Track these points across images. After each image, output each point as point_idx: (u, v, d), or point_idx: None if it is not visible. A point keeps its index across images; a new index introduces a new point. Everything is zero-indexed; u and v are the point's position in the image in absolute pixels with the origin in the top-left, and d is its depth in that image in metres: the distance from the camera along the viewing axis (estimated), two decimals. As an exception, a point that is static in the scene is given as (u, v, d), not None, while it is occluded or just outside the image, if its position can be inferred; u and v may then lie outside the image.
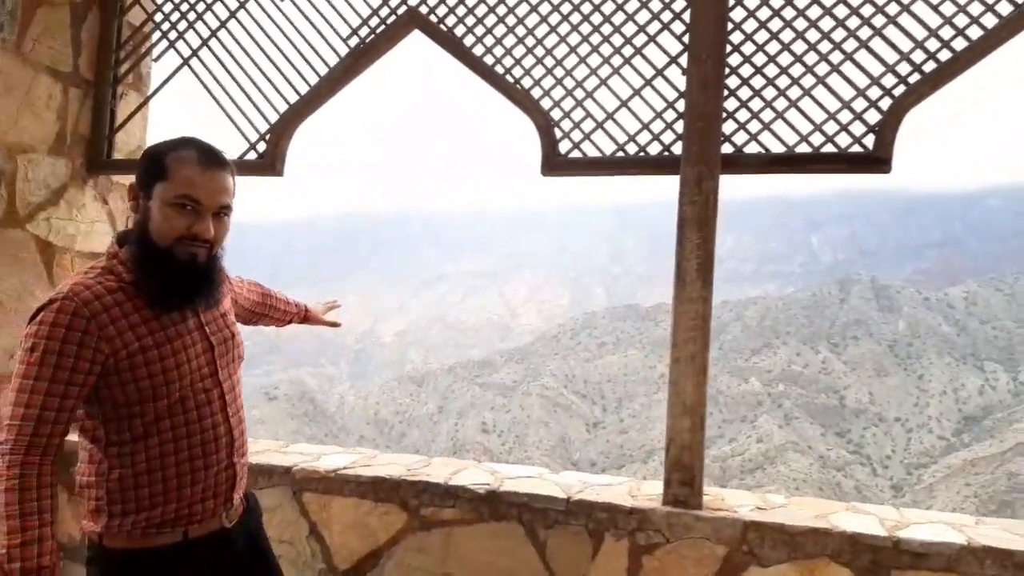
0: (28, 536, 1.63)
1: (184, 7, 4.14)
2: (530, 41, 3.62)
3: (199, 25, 4.11)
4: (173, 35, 4.14)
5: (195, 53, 4.10)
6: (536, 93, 3.60)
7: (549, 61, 3.59)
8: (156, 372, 1.80)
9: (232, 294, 2.31)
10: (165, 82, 4.18)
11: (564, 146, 3.56)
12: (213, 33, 4.08)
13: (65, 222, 4.09)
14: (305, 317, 2.92)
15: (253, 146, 4.01)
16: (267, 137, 3.99)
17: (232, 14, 4.06)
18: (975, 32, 3.07)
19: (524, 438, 77.01)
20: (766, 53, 3.35)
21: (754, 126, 3.34)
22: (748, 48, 3.36)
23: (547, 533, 3.21)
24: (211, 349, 1.96)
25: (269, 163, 3.97)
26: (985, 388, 77.24)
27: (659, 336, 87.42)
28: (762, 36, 3.35)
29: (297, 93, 3.95)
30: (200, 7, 4.12)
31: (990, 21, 3.05)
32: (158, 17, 4.20)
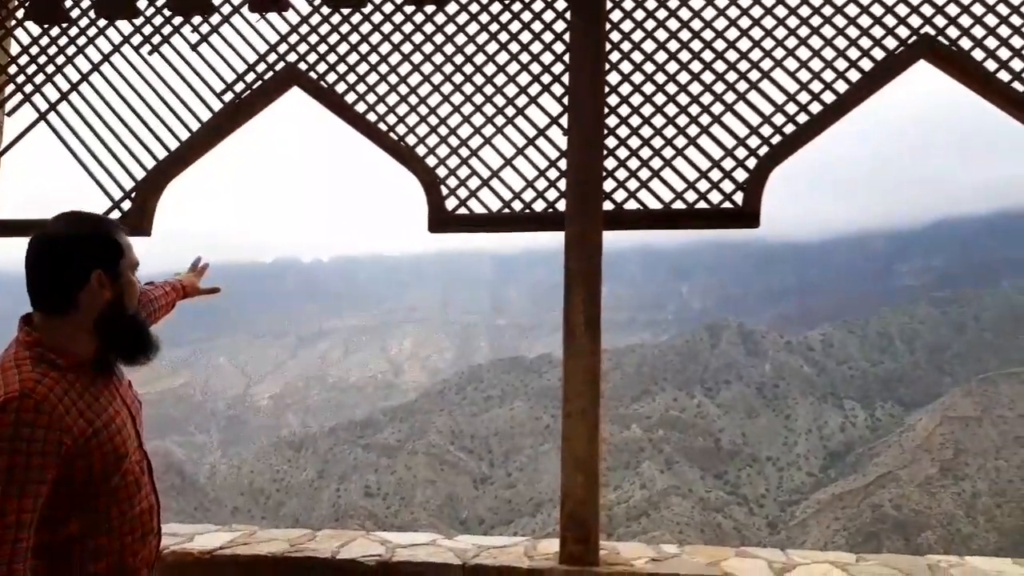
0: None
1: (42, 59, 3.89)
2: (413, 99, 3.63)
3: (58, 78, 3.86)
4: (29, 88, 3.87)
5: (53, 107, 3.84)
6: (421, 151, 3.59)
7: (433, 119, 3.60)
8: (108, 452, 1.77)
9: None
10: (18, 138, 3.88)
11: (451, 203, 3.56)
12: (74, 87, 3.85)
13: None
14: (184, 294, 2.78)
15: (117, 204, 3.77)
16: (133, 195, 3.77)
17: (95, 67, 3.85)
18: (829, 97, 3.34)
19: (411, 499, 75.11)
20: (641, 115, 3.50)
21: (632, 184, 3.47)
22: (624, 110, 3.51)
23: (443, 603, 3.08)
24: (133, 420, 1.95)
25: (135, 222, 3.73)
26: (846, 425, 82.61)
27: (544, 387, 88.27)
28: (637, 99, 3.51)
29: (166, 149, 3.77)
30: (60, 59, 3.88)
31: (841, 87, 3.34)
32: (12, 69, 3.92)
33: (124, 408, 1.90)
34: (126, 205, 3.76)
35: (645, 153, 3.47)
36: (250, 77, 3.77)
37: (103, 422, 1.78)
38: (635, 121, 3.50)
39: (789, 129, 3.37)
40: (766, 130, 3.39)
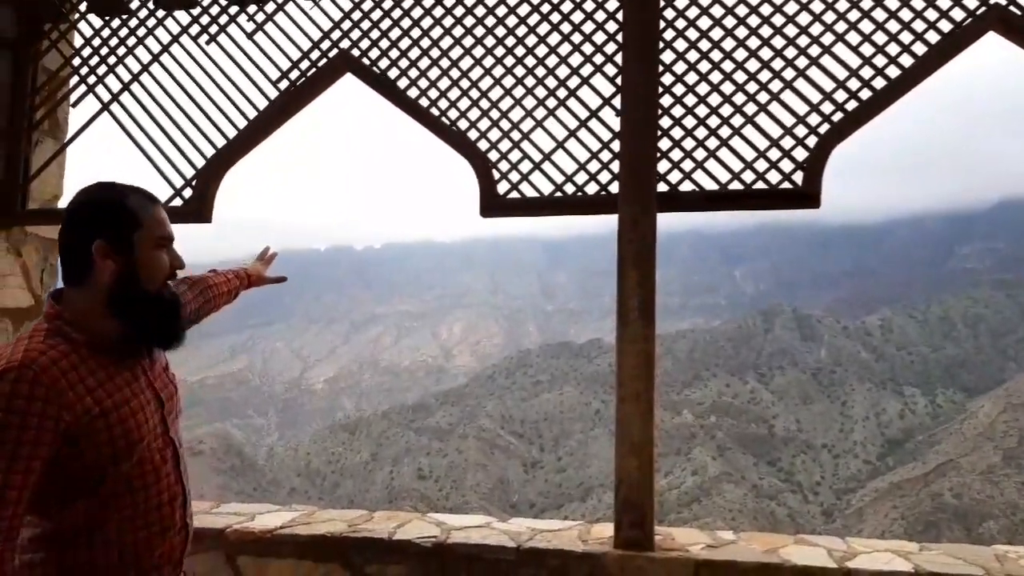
0: None
1: (104, 51, 3.99)
2: (465, 83, 3.62)
3: (119, 69, 3.96)
4: (92, 79, 3.98)
5: (115, 98, 3.94)
6: (473, 135, 3.58)
7: (485, 103, 3.58)
8: (118, 435, 1.68)
9: None
10: (83, 128, 3.99)
11: (502, 187, 3.54)
12: (135, 77, 3.94)
13: (-28, 276, 3.83)
14: (249, 283, 2.76)
15: (179, 192, 3.85)
16: (193, 183, 3.85)
17: (155, 57, 3.93)
18: (893, 72, 3.22)
19: (462, 482, 76.03)
20: (696, 94, 3.42)
21: (687, 165, 3.40)
22: (679, 89, 3.43)
23: (498, 585, 3.10)
24: (161, 406, 1.85)
25: (196, 209, 3.82)
26: (905, 412, 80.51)
27: (593, 372, 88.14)
28: (692, 78, 3.43)
29: (225, 137, 3.84)
30: (121, 51, 3.97)
31: (907, 61, 3.21)
32: (76, 61, 4.03)
33: (147, 391, 1.81)
34: (187, 193, 3.84)
35: (700, 133, 3.40)
36: (304, 65, 3.80)
37: (114, 403, 1.69)
38: (690, 100, 3.42)
39: (851, 106, 3.25)
40: (827, 107, 3.28)
